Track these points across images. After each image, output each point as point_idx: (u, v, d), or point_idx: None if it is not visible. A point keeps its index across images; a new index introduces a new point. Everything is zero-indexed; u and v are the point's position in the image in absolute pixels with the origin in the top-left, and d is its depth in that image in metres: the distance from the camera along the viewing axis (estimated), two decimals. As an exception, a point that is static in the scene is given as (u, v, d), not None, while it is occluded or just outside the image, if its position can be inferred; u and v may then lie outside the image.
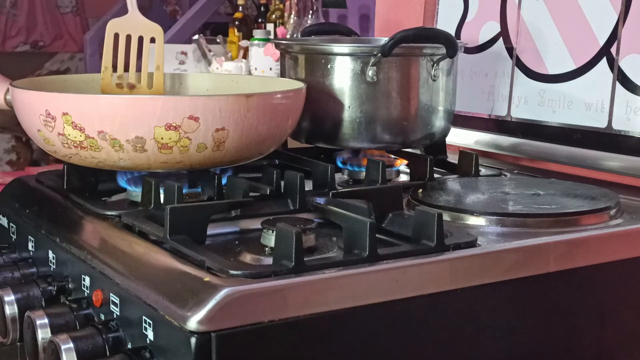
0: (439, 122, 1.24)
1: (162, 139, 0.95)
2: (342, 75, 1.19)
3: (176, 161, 0.98)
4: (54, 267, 0.98)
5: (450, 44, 1.18)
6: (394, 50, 1.15)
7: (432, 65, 1.20)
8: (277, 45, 1.31)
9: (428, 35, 1.22)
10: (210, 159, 1.00)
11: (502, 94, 1.37)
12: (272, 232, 0.84)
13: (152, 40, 1.20)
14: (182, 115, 0.95)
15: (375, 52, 1.16)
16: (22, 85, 1.07)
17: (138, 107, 0.95)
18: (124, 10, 1.30)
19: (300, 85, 1.13)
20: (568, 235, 0.91)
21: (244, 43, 2.83)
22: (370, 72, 1.17)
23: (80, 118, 0.95)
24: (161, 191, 0.96)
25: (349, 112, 1.19)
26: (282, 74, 1.29)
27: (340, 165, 1.21)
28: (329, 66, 1.20)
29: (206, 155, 0.98)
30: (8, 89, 1.09)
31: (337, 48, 1.20)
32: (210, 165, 1.02)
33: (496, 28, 1.40)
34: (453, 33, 1.47)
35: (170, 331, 0.74)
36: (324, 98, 1.20)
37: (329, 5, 3.46)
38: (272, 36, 2.75)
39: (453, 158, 1.26)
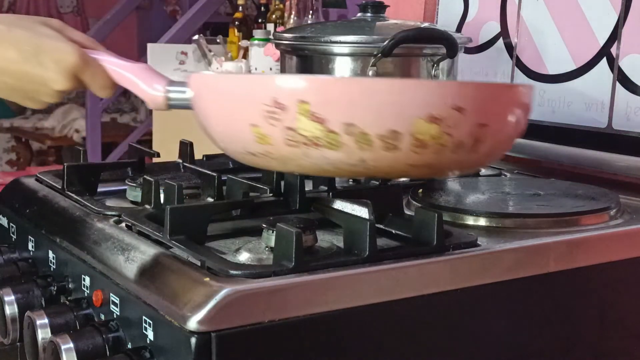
0: None
1: (420, 134, 0.77)
2: (343, 75, 1.19)
3: (423, 163, 0.80)
4: (54, 267, 0.98)
5: (450, 45, 1.18)
6: (395, 51, 1.15)
7: (433, 66, 1.20)
8: (277, 45, 1.31)
9: (428, 35, 1.22)
10: (456, 163, 0.82)
11: (502, 94, 1.37)
12: (272, 232, 0.83)
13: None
14: (447, 105, 0.77)
15: (375, 52, 1.16)
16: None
17: (400, 93, 0.77)
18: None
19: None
20: (568, 235, 0.91)
21: (244, 43, 2.83)
22: (370, 72, 1.17)
23: (323, 107, 0.76)
24: (161, 191, 0.96)
25: None
26: (282, 74, 1.29)
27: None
28: (329, 66, 1.20)
29: (456, 158, 0.80)
30: (167, 87, 0.92)
31: (337, 48, 1.20)
32: (445, 172, 0.91)
33: (496, 28, 1.40)
34: (453, 33, 1.47)
35: (170, 331, 0.74)
36: None
37: (329, 5, 3.46)
38: (272, 36, 2.75)
39: (453, 158, 1.25)
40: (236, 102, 0.81)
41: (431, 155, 0.78)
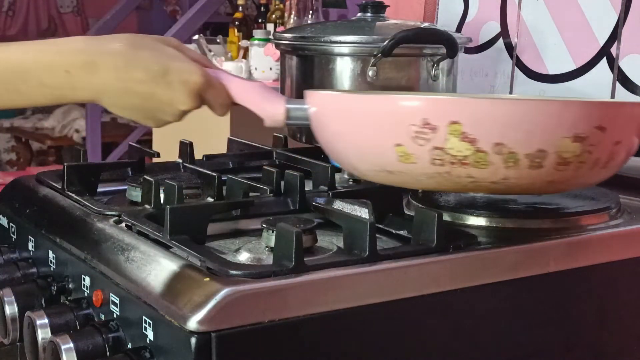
0: None
1: (565, 152, 0.80)
2: (343, 75, 1.19)
3: (561, 180, 0.84)
4: (54, 267, 0.98)
5: (450, 45, 1.18)
6: (395, 51, 1.15)
7: (433, 66, 1.20)
8: (277, 45, 1.31)
9: (428, 35, 1.21)
10: (588, 179, 0.87)
11: (502, 94, 1.37)
12: (272, 232, 0.84)
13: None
14: (592, 125, 0.80)
15: (375, 52, 1.16)
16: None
17: (550, 114, 0.80)
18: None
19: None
20: (568, 235, 0.91)
21: (244, 43, 2.83)
22: (370, 72, 1.17)
23: (476, 128, 0.79)
24: (161, 191, 0.96)
25: None
26: (282, 74, 1.29)
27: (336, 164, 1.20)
28: (329, 66, 1.20)
29: (590, 175, 0.85)
30: (286, 104, 0.94)
31: (337, 48, 1.20)
32: (574, 187, 0.93)
33: (496, 28, 1.40)
34: (453, 33, 1.47)
35: (170, 331, 0.74)
36: None
37: (329, 5, 3.46)
38: (272, 36, 2.75)
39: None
40: (379, 122, 0.83)
41: (570, 172, 0.82)
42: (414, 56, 1.20)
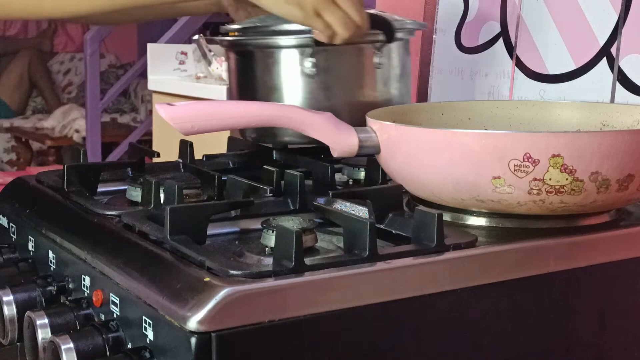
0: None
1: None
2: (281, 69, 1.14)
3: (638, 197, 0.93)
4: (54, 267, 0.98)
5: (386, 28, 1.12)
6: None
7: (374, 53, 1.14)
8: (221, 44, 1.24)
9: None
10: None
11: (502, 94, 1.37)
12: (272, 232, 0.84)
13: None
14: None
15: (310, 43, 1.10)
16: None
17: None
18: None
19: None
20: (568, 236, 0.91)
21: (243, 43, 2.82)
22: (307, 64, 1.12)
23: (576, 159, 0.85)
24: (161, 191, 0.96)
25: None
26: (229, 73, 1.24)
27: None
28: (269, 60, 1.14)
29: None
30: (359, 135, 0.97)
31: (271, 41, 1.14)
32: (633, 203, 0.98)
33: (496, 28, 1.40)
34: (453, 33, 1.47)
35: (170, 331, 0.74)
36: (265, 94, 1.15)
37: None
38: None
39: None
40: (477, 157, 0.87)
41: None
42: (354, 44, 1.13)
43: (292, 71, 1.15)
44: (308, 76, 1.13)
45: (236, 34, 1.19)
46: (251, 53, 1.18)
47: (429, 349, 0.83)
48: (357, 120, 1.02)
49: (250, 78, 1.18)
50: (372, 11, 1.16)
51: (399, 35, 1.18)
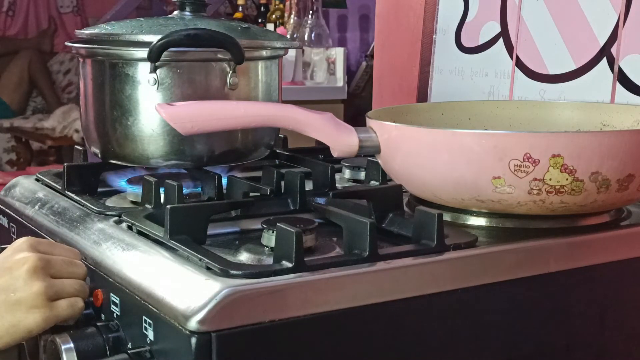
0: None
1: None
2: (124, 83, 1.06)
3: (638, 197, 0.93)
4: (54, 267, 0.98)
5: (233, 49, 1.03)
6: (177, 56, 1.03)
7: (228, 73, 1.06)
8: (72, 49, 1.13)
9: (200, 39, 1.02)
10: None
11: (502, 94, 1.37)
12: (272, 232, 0.84)
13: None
14: None
15: (144, 58, 1.02)
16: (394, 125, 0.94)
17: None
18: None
19: None
20: (568, 235, 0.91)
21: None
22: (150, 81, 1.04)
23: (576, 159, 0.85)
24: (161, 191, 0.96)
25: (126, 126, 1.07)
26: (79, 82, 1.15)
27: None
28: (115, 71, 1.06)
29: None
30: (359, 135, 0.96)
31: (112, 51, 1.06)
32: (633, 202, 0.98)
33: (496, 28, 1.40)
34: (453, 33, 1.46)
35: (170, 331, 0.74)
36: (104, 109, 1.08)
37: (329, 6, 3.46)
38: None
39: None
40: (477, 157, 0.87)
41: None
42: (200, 61, 1.06)
43: (131, 86, 1.06)
44: (154, 91, 1.05)
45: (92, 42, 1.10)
46: (101, 62, 1.09)
47: (429, 349, 0.83)
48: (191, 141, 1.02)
49: (102, 89, 1.09)
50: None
51: (261, 53, 1.11)
